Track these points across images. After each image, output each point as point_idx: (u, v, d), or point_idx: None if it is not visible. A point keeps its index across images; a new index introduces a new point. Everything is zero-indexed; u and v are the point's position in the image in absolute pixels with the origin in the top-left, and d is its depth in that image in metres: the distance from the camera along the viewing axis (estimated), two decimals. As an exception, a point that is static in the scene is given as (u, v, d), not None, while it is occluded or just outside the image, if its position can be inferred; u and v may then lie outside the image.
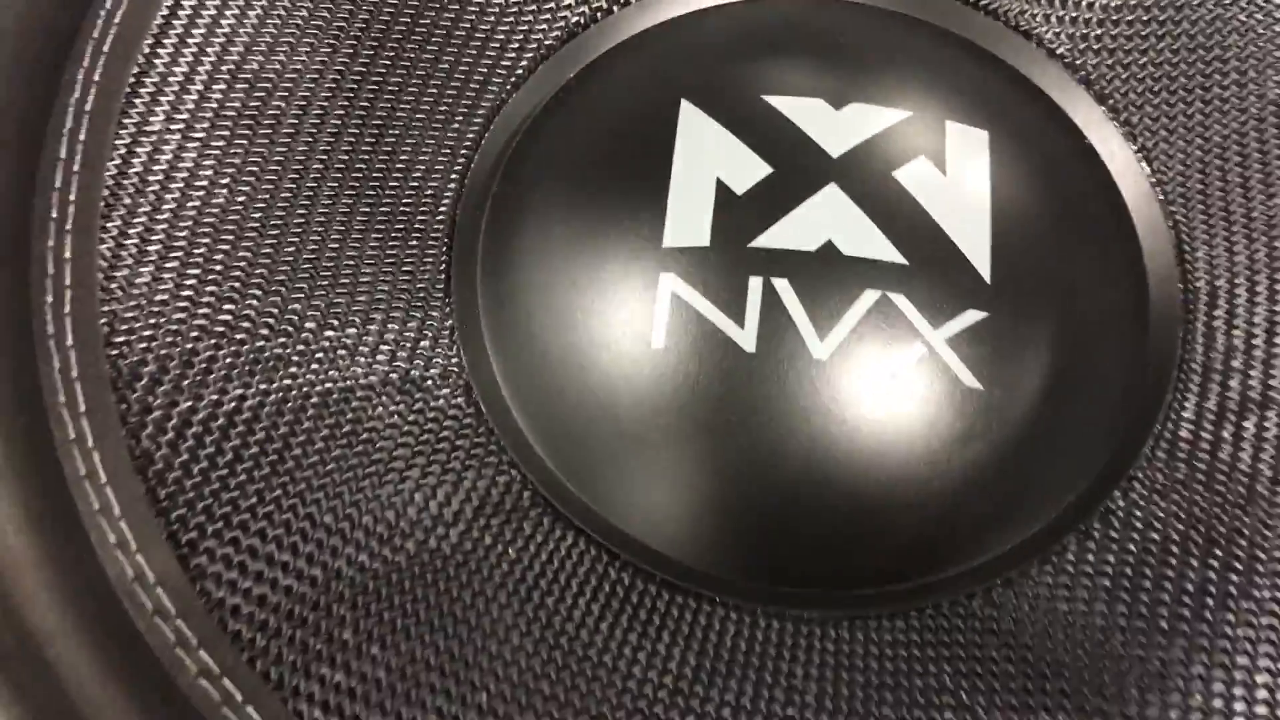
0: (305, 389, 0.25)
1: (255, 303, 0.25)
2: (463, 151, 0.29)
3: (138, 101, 0.25)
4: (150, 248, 0.24)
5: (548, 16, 0.30)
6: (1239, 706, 0.23)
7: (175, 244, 0.25)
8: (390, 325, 0.27)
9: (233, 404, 0.24)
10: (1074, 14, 0.31)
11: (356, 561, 0.24)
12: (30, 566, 0.20)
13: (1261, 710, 0.23)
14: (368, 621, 0.23)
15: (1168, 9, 0.31)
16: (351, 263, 0.27)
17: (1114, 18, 0.31)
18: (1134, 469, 0.27)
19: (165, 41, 0.26)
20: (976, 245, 0.28)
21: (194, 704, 0.21)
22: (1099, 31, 0.31)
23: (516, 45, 0.30)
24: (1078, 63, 0.31)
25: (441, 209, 0.29)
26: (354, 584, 0.24)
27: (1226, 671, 0.24)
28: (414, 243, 0.28)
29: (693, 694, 0.24)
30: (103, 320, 0.23)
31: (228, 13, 0.27)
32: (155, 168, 0.25)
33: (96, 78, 0.24)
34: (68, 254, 0.24)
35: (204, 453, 0.23)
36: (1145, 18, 0.31)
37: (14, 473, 0.21)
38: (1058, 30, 0.31)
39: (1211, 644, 0.24)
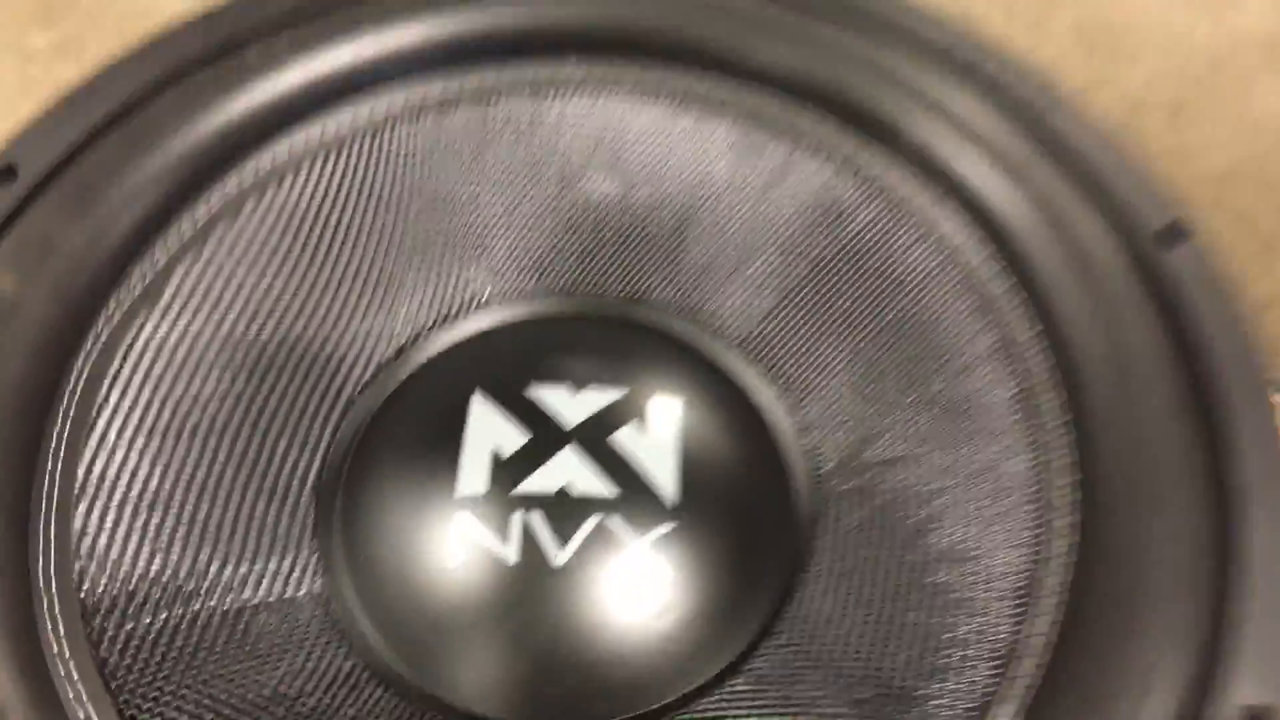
0: (210, 611, 0.38)
1: (175, 555, 0.38)
2: (323, 441, 0.43)
3: (98, 427, 0.39)
4: (106, 523, 0.38)
5: (383, 342, 0.45)
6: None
7: (122, 519, 0.38)
8: (270, 563, 0.40)
9: (161, 624, 0.37)
10: (745, 308, 0.45)
11: (245, 724, 0.36)
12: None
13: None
14: (252, 763, 0.35)
15: (811, 305, 0.45)
16: (244, 522, 0.40)
17: (774, 316, 0.45)
18: (778, 627, 0.40)
19: (115, 387, 0.39)
20: (668, 479, 0.41)
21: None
22: (763, 324, 0.45)
23: (363, 363, 0.44)
24: (749, 345, 0.45)
25: (309, 481, 0.42)
26: (243, 739, 0.36)
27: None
28: (289, 506, 0.41)
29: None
30: (75, 573, 0.36)
31: (159, 362, 0.40)
32: (110, 470, 0.38)
33: (71, 416, 0.38)
34: (52, 530, 0.37)
35: (141, 657, 0.36)
36: (795, 315, 0.45)
37: (19, 675, 0.33)
38: (735, 322, 0.45)
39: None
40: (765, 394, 0.44)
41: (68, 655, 0.35)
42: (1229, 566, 0.35)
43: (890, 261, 0.44)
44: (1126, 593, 0.34)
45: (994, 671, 0.36)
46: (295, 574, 0.40)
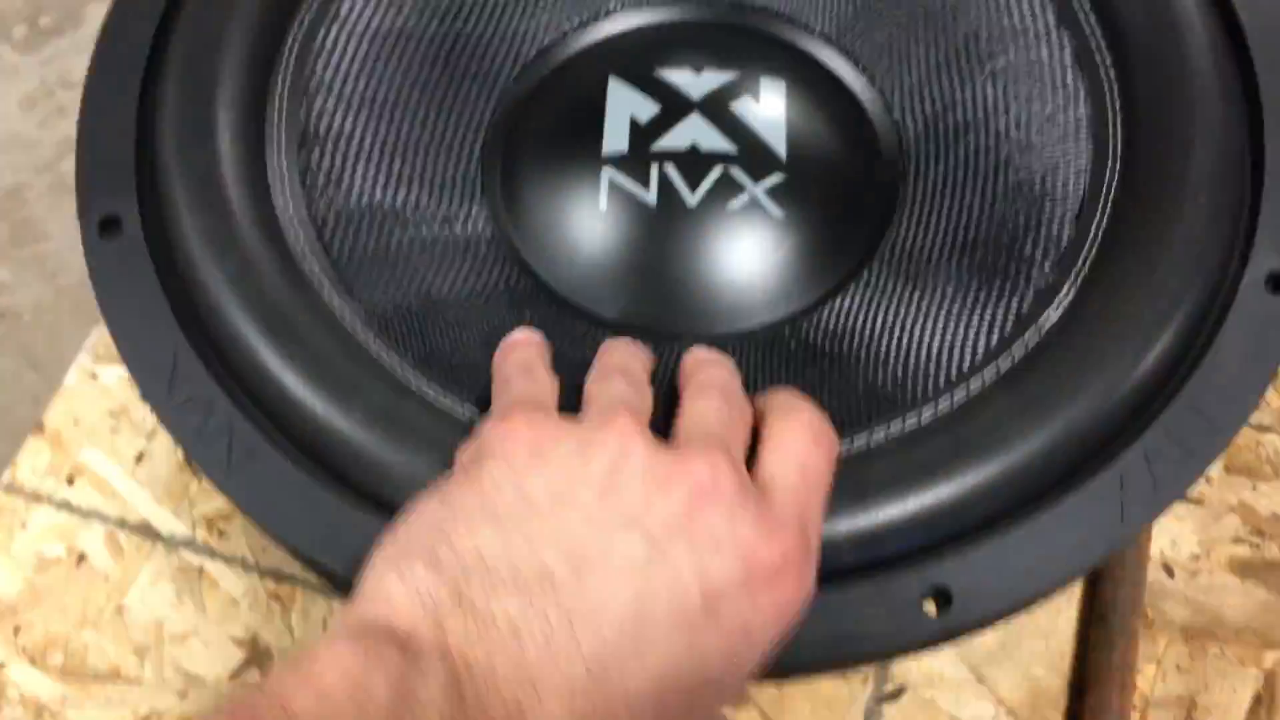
0: (409, 237, 0.46)
1: (379, 194, 0.47)
2: (485, 117, 0.51)
3: (309, 90, 0.47)
4: (324, 165, 0.46)
5: (528, 42, 0.52)
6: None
7: (335, 164, 0.46)
8: (452, 207, 0.48)
9: (374, 242, 0.45)
10: (834, 11, 0.53)
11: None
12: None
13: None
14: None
15: (893, 5, 0.52)
16: (429, 174, 0.48)
17: (860, 15, 0.53)
18: (883, 247, 0.48)
19: (319, 60, 0.47)
20: (778, 140, 0.49)
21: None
22: (852, 20, 0.53)
23: (512, 58, 0.52)
24: (839, 41, 0.52)
25: (475, 148, 0.50)
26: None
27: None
28: (462, 165, 0.49)
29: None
30: (305, 200, 0.44)
31: (351, 44, 0.48)
32: (321, 126, 0.46)
33: (289, 80, 0.46)
34: (284, 165, 0.45)
35: (359, 260, 0.44)
36: (878, 15, 0.52)
37: (280, 268, 0.41)
38: (826, 23, 0.53)
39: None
40: (854, 79, 0.52)
41: (309, 255, 0.43)
42: (1254, 170, 0.43)
43: (965, -39, 0.51)
44: (1172, 186, 0.42)
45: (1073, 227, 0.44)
46: (472, 216, 0.48)
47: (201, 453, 0.39)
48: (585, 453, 0.32)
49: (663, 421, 0.37)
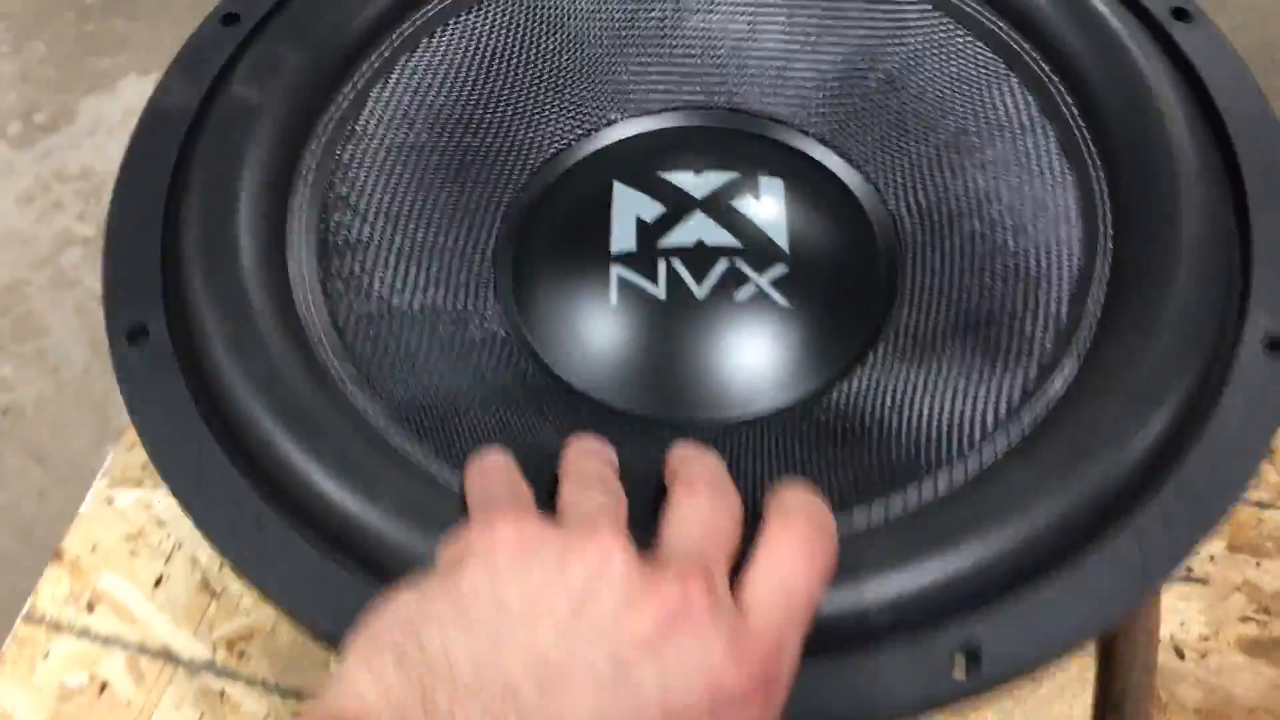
0: (431, 335, 0.47)
1: (401, 297, 0.48)
2: (495, 224, 0.52)
3: (328, 203, 0.48)
4: (348, 271, 0.47)
5: (534, 152, 0.54)
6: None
7: (361, 270, 0.47)
8: (471, 305, 0.49)
9: (396, 341, 0.46)
10: (827, 114, 0.55)
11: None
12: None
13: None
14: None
15: (883, 105, 0.55)
16: (445, 279, 0.50)
17: (853, 116, 0.55)
18: (886, 330, 0.49)
19: (336, 175, 0.49)
20: (779, 234, 0.51)
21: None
22: (844, 122, 0.55)
23: (519, 168, 0.54)
24: (833, 140, 0.55)
25: (488, 252, 0.52)
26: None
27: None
28: (474, 270, 0.51)
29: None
30: (327, 307, 0.46)
31: (366, 161, 0.50)
32: (340, 237, 0.48)
33: (308, 196, 0.47)
34: (305, 270, 0.46)
35: (382, 359, 0.45)
36: (870, 113, 0.55)
37: (310, 376, 0.42)
38: (819, 125, 0.55)
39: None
40: (849, 175, 0.54)
41: (331, 356, 0.44)
42: (1241, 241, 0.45)
43: (948, 61, 0.53)
44: (1162, 258, 0.43)
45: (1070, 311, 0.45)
46: (487, 316, 0.50)
47: (232, 549, 0.39)
48: (565, 562, 0.32)
49: (648, 515, 0.38)
